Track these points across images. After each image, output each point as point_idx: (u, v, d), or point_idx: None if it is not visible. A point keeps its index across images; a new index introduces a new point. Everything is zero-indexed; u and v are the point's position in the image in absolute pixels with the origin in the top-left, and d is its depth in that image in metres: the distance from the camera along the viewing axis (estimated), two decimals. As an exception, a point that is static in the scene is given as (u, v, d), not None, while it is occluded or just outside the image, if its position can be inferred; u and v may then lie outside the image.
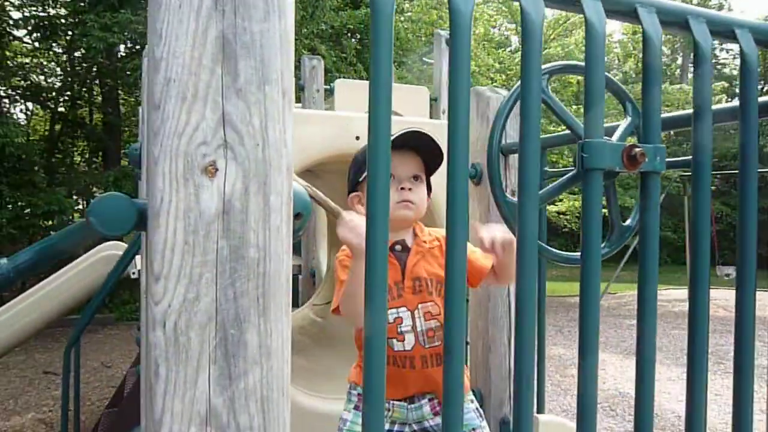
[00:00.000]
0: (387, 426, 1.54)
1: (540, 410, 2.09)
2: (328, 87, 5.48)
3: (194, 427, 0.57)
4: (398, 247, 1.54)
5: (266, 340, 0.60)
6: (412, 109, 3.98)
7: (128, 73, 9.15)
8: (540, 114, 0.76)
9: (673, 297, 14.20)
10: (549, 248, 1.08)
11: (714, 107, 1.05)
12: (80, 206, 11.20)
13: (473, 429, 1.57)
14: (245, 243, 0.59)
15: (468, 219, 0.75)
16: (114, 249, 4.29)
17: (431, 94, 5.04)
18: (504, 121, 0.91)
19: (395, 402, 1.56)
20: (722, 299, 14.04)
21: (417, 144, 1.47)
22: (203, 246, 0.58)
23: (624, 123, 0.99)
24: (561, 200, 14.10)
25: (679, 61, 29.91)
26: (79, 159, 13.49)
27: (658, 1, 0.88)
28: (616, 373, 6.49)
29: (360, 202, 1.54)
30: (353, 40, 10.82)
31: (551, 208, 12.86)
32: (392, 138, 1.42)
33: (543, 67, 1.01)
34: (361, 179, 1.53)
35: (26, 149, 9.68)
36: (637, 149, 0.81)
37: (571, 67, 0.99)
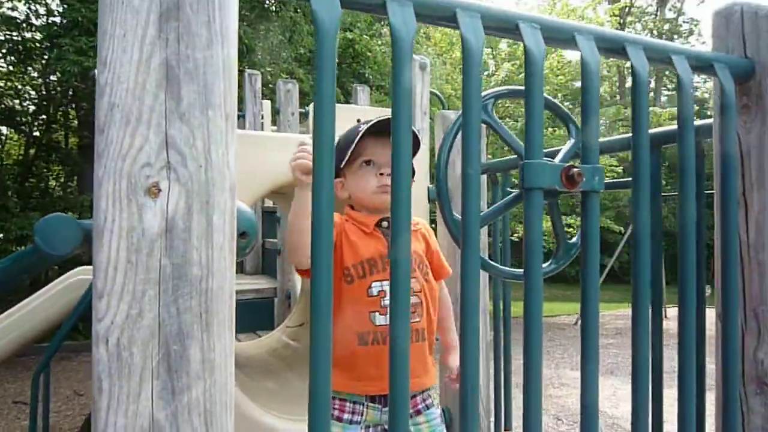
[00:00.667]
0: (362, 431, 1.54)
1: (507, 426, 2.11)
2: (303, 110, 5.53)
3: (137, 441, 0.59)
4: (384, 224, 1.59)
5: (209, 355, 0.62)
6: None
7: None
8: (479, 137, 0.80)
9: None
10: (491, 263, 1.11)
11: (655, 131, 1.10)
12: (54, 231, 11.02)
13: None
14: (188, 261, 0.61)
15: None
16: (86, 274, 4.25)
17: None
18: (450, 144, 0.95)
19: (369, 404, 1.55)
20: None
21: None
22: (146, 264, 0.60)
23: (567, 145, 1.03)
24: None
25: (653, 84, 30.64)
26: (54, 183, 13.33)
27: (596, 29, 0.93)
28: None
29: (343, 187, 1.60)
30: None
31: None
32: (370, 124, 1.47)
33: (487, 92, 1.05)
34: (342, 165, 1.56)
35: (0, 174, 9.56)
36: (575, 170, 0.85)
37: (514, 92, 1.04)
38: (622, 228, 14.85)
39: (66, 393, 6.70)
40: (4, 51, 10.23)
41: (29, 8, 10.11)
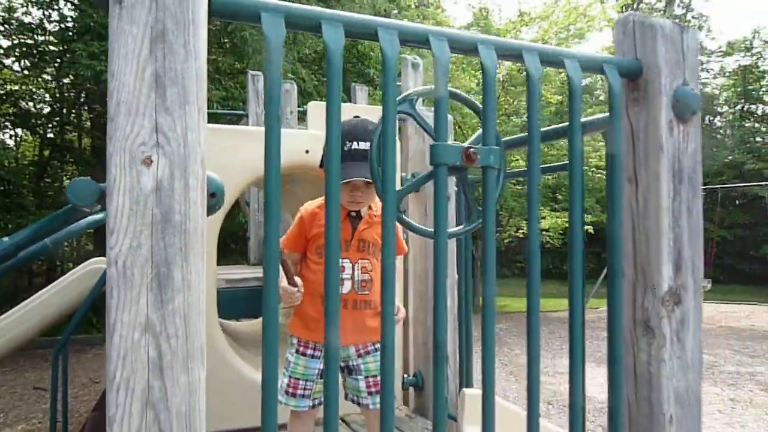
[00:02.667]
0: (320, 365, 1.92)
1: (468, 385, 2.36)
2: (301, 109, 5.80)
3: (137, 332, 0.86)
4: (353, 214, 1.98)
5: (187, 276, 0.88)
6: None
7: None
8: (395, 132, 1.06)
9: None
10: (408, 220, 1.36)
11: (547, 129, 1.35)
12: (69, 229, 11.41)
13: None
14: (172, 210, 0.88)
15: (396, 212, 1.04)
16: (100, 263, 4.55)
17: (401, 114, 5.35)
18: (378, 139, 1.21)
19: None
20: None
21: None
22: (143, 212, 0.86)
23: (477, 132, 1.29)
24: (543, 218, 14.42)
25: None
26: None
27: (496, 40, 1.19)
28: (585, 379, 6.75)
29: (344, 185, 1.94)
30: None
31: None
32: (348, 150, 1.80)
33: (409, 92, 1.31)
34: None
35: (15, 173, 9.93)
36: (471, 150, 1.11)
37: (427, 91, 1.29)
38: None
39: (82, 380, 7.06)
40: (18, 54, 10.59)
41: (43, 13, 10.46)
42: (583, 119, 1.37)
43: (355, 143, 1.87)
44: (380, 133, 1.09)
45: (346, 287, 1.90)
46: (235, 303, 4.16)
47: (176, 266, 0.88)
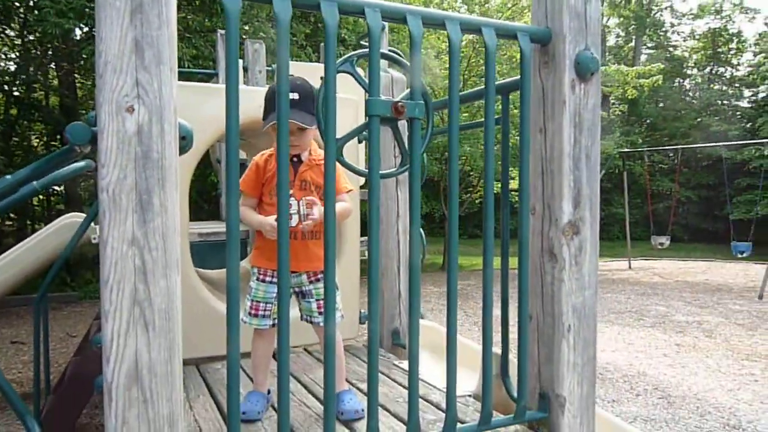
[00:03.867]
0: (276, 289, 2.15)
1: (422, 316, 2.66)
2: (270, 68, 5.93)
3: (125, 245, 1.09)
4: (295, 159, 2.26)
5: (164, 203, 1.12)
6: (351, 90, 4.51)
7: (84, 56, 9.38)
8: (335, 91, 1.29)
9: (614, 267, 15.15)
10: (346, 161, 1.59)
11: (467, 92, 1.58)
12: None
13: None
14: (151, 149, 1.10)
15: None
16: (76, 218, 4.71)
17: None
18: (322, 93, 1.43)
19: None
20: (660, 268, 15.01)
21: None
22: (127, 150, 1.09)
23: (406, 91, 1.52)
24: (513, 178, 14.71)
25: (632, 43, 31.05)
26: (38, 142, 13.60)
27: (421, 10, 1.41)
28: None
29: (273, 130, 2.16)
30: (302, 25, 11.22)
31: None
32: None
33: (350, 54, 1.53)
34: (266, 119, 2.17)
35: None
36: (399, 103, 1.34)
37: (364, 54, 1.52)
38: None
39: (59, 335, 7.25)
40: (-19, 11, 10.37)
41: (6, -32, 10.22)
42: (500, 82, 1.61)
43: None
44: (323, 89, 1.31)
45: (294, 221, 2.14)
46: (208, 254, 4.38)
47: (155, 194, 1.11)
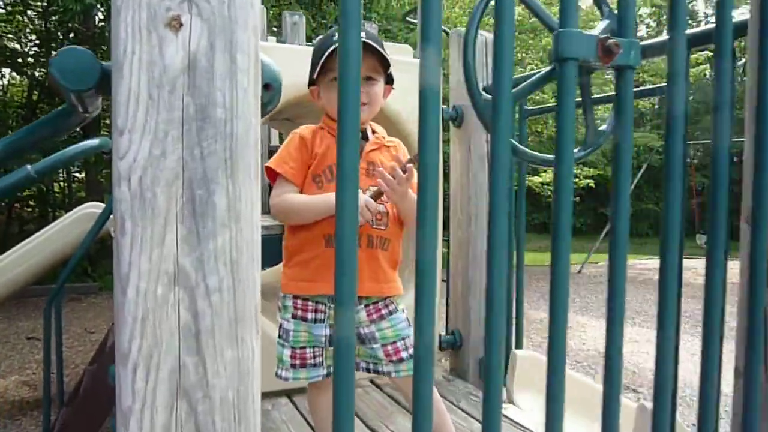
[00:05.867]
0: (327, 330, 1.61)
1: (518, 346, 2.12)
2: (309, 44, 5.41)
3: (162, 286, 0.57)
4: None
5: (235, 204, 0.59)
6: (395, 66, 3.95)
7: (107, 37, 8.95)
8: (514, 16, 0.75)
9: (651, 266, 14.45)
10: (522, 148, 1.07)
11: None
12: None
13: (404, 338, 1.60)
14: (212, 102, 0.58)
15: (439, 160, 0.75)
16: (94, 208, 4.25)
17: (414, 53, 5.00)
18: (480, 15, 0.90)
19: (332, 305, 1.57)
20: (700, 268, 14.28)
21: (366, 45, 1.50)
22: (168, 102, 0.56)
23: (600, 25, 0.98)
24: (545, 171, 14.00)
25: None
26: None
27: None
28: (596, 334, 6.60)
29: (318, 96, 1.62)
30: (332, 6, 10.72)
31: (534, 178, 12.79)
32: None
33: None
34: (315, 75, 1.58)
35: (3, 116, 9.48)
36: (612, 40, 0.80)
37: None
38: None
39: (77, 331, 6.83)
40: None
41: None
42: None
43: None
44: (480, 13, 0.77)
45: (360, 219, 1.52)
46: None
47: (219, 186, 0.58)
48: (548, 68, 0.89)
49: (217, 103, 0.58)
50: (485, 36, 2.06)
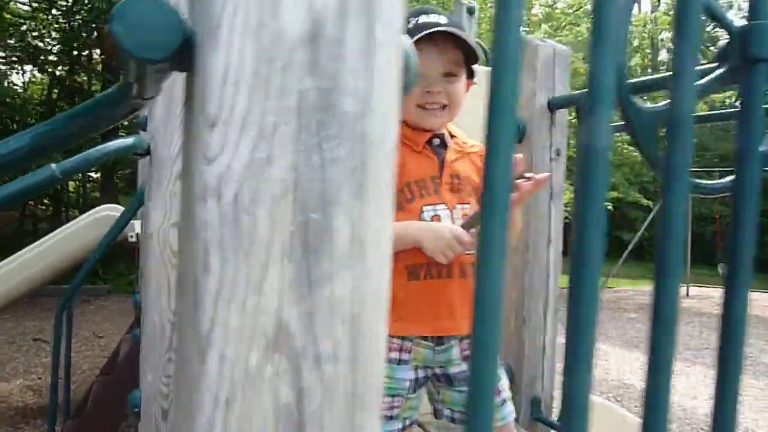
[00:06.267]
0: (411, 374, 1.40)
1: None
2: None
3: (256, 351, 0.39)
4: (436, 141, 1.43)
5: (362, 232, 0.41)
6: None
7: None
8: None
9: (694, 294, 14.11)
10: (697, 181, 0.89)
11: None
12: (75, 174, 11.02)
13: (498, 379, 1.42)
14: (339, 87, 0.40)
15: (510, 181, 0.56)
16: (111, 211, 4.11)
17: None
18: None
19: (422, 341, 1.40)
20: (720, 297, 13.96)
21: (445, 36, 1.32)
22: (281, 83, 0.39)
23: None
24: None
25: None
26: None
27: None
28: (618, 364, 6.38)
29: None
30: None
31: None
32: (425, 32, 1.28)
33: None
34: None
35: (22, 112, 9.43)
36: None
37: None
38: (650, 202, 14.50)
39: (86, 335, 6.68)
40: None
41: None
42: None
43: (424, 16, 1.34)
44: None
45: None
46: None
47: (341, 209, 0.40)
48: (720, 70, 0.71)
49: (346, 89, 0.40)
50: (555, 47, 1.89)
